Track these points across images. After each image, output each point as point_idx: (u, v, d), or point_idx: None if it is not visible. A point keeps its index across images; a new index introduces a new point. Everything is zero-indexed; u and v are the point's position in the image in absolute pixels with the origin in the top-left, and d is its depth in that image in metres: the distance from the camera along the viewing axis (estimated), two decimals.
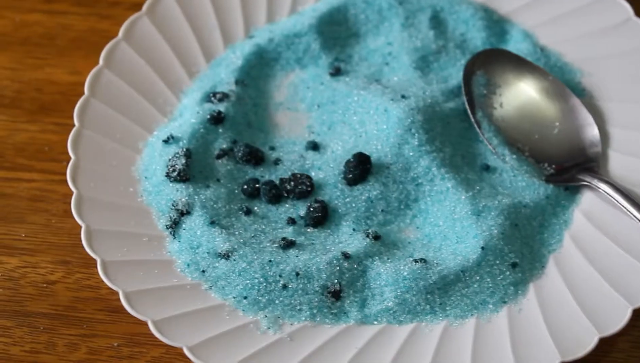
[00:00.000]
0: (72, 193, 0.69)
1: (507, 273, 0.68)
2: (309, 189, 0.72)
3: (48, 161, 0.76)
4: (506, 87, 0.77)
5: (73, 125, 0.73)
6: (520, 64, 0.77)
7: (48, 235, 0.72)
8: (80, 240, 0.67)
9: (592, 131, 0.74)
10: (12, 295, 0.69)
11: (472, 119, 0.75)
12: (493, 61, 0.78)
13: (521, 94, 0.77)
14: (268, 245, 0.68)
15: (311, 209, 0.70)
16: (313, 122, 0.77)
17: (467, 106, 0.75)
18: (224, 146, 0.74)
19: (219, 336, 0.64)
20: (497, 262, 0.68)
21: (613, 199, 0.69)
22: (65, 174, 0.70)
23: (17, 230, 0.72)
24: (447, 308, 0.66)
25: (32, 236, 0.72)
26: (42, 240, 0.72)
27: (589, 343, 0.63)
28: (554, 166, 0.73)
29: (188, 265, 0.68)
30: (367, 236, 0.69)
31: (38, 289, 0.69)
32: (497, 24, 0.81)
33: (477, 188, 0.72)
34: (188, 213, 0.69)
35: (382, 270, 0.67)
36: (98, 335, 0.67)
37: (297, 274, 0.66)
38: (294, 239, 0.69)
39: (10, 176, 0.76)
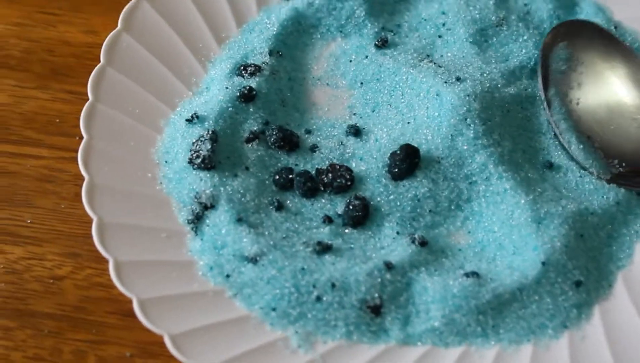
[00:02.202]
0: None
1: (570, 293, 0.60)
2: (349, 183, 0.64)
3: (59, 135, 0.69)
4: (590, 65, 0.68)
5: (87, 94, 0.65)
6: (610, 42, 0.68)
7: (56, 222, 0.65)
8: (92, 230, 0.60)
9: None
10: (15, 291, 0.62)
11: (543, 96, 0.67)
12: (579, 33, 0.69)
13: (605, 75, 0.68)
14: (301, 248, 0.61)
15: (350, 207, 0.63)
16: (355, 102, 0.69)
17: (541, 81, 0.67)
18: (255, 128, 0.66)
19: (242, 355, 0.57)
20: (559, 280, 0.60)
21: None
22: (77, 151, 0.63)
23: (23, 215, 0.65)
24: (501, 331, 0.59)
25: (38, 222, 0.65)
26: (50, 227, 0.65)
27: None
28: (624, 164, 0.65)
29: (211, 268, 0.60)
30: (413, 241, 0.62)
31: (44, 285, 0.62)
32: None
33: (539, 190, 0.64)
34: (212, 206, 0.62)
35: (429, 284, 0.59)
36: (108, 343, 0.60)
37: (333, 285, 0.59)
38: (330, 242, 0.61)
39: (16, 151, 0.68)
